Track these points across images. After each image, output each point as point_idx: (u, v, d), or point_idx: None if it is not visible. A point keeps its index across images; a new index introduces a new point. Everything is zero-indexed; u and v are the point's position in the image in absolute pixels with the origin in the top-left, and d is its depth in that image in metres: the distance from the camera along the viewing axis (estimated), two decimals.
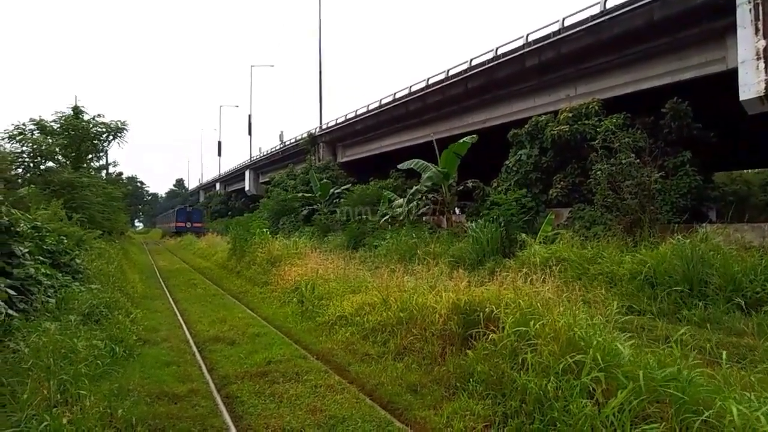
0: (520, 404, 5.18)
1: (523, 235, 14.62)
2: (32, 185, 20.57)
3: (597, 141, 15.97)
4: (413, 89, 28.33)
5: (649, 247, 11.23)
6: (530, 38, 20.70)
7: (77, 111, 24.89)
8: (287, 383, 6.79)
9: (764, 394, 4.31)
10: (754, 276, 9.28)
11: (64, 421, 4.77)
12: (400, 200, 23.17)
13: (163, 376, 7.20)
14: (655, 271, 10.06)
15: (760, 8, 13.19)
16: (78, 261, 11.88)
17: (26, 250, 8.99)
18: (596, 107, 17.77)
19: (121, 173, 50.64)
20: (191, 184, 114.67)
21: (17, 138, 21.66)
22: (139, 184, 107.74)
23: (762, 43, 13.19)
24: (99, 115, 25.54)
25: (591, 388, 4.74)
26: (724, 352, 5.01)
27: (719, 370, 4.70)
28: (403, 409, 5.88)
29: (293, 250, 17.35)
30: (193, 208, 63.46)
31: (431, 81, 26.86)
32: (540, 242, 13.93)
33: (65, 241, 12.25)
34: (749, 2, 13.39)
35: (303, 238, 21.15)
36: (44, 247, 10.68)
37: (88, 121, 25.01)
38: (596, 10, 17.99)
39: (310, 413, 5.78)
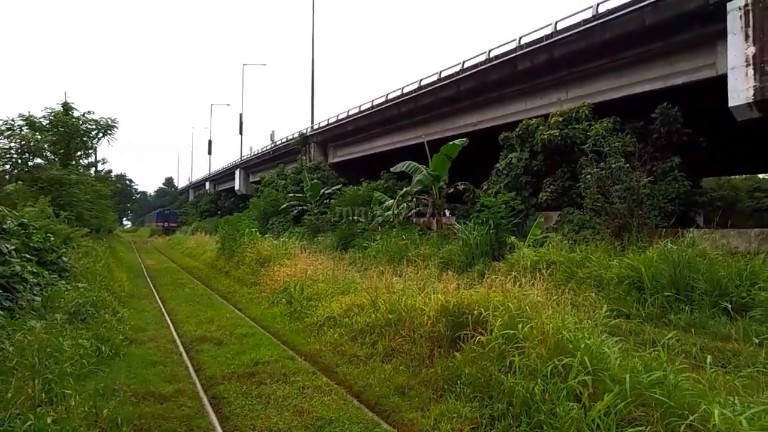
0: (507, 407, 5.19)
1: (513, 238, 14.67)
2: (19, 182, 20.40)
3: (587, 145, 16.06)
4: (405, 90, 28.34)
5: (636, 252, 11.29)
6: (523, 41, 20.78)
7: (67, 107, 24.67)
8: (274, 384, 6.77)
9: (748, 398, 4.36)
10: (740, 281, 9.36)
11: (49, 420, 4.73)
12: (391, 201, 23.20)
13: (149, 376, 7.16)
14: (643, 276, 10.12)
15: (751, 15, 13.31)
16: (65, 259, 11.77)
17: (12, 247, 8.92)
18: (586, 111, 17.86)
19: (110, 171, 50.46)
20: (181, 182, 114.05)
21: (5, 134, 21.44)
22: (128, 182, 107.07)
23: (752, 49, 13.31)
24: (89, 112, 25.35)
25: (578, 392, 4.77)
26: (709, 357, 5.05)
27: (704, 375, 4.74)
28: (391, 411, 5.88)
29: (282, 250, 17.30)
30: (170, 211, 76.66)
31: (423, 83, 26.89)
32: (529, 245, 13.98)
33: (52, 238, 12.15)
34: (740, 9, 13.51)
35: (293, 239, 21.10)
36: (31, 244, 10.58)
37: (78, 118, 24.78)
38: (589, 14, 18.09)
39: (297, 414, 5.77)
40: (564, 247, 12.93)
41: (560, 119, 18.12)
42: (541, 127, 18.62)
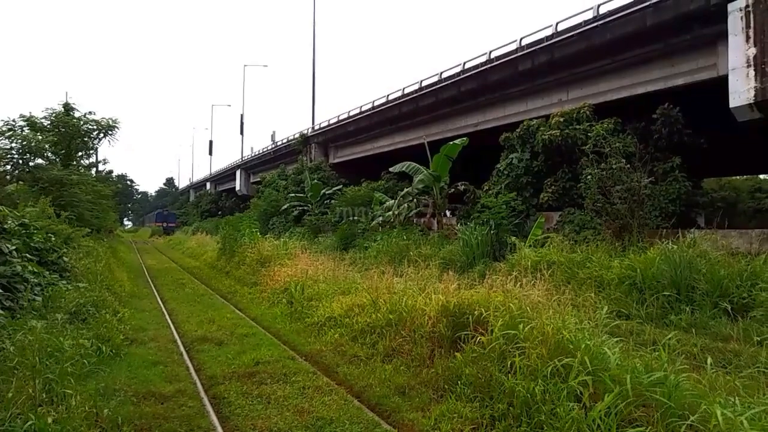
0: (508, 407, 5.18)
1: (513, 239, 14.65)
2: (20, 182, 20.42)
3: (588, 146, 16.04)
4: (406, 91, 28.33)
5: (637, 252, 11.28)
6: (523, 42, 20.78)
7: (68, 108, 24.67)
8: (275, 384, 6.77)
9: (748, 399, 4.35)
10: (741, 282, 9.34)
11: (50, 420, 4.73)
12: (391, 202, 23.18)
13: (149, 375, 7.17)
14: (643, 276, 10.11)
15: (751, 16, 13.31)
16: (65, 259, 11.78)
17: (13, 247, 8.92)
18: (587, 112, 17.84)
19: (111, 171, 50.47)
20: (182, 183, 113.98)
21: (6, 134, 21.44)
22: (129, 182, 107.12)
23: (752, 50, 13.30)
24: (90, 113, 25.38)
25: (578, 392, 4.77)
26: (709, 357, 5.05)
27: (705, 375, 4.74)
28: (392, 411, 5.88)
29: (283, 250, 17.31)
30: (168, 212, 78.61)
31: (424, 83, 26.88)
32: (530, 246, 13.97)
33: (53, 238, 12.15)
34: (740, 10, 13.51)
35: (293, 239, 21.12)
36: (31, 244, 10.58)
37: (79, 119, 24.79)
38: (590, 15, 18.09)
39: (297, 414, 5.77)
40: (565, 247, 12.93)
41: (561, 119, 18.10)
42: (542, 128, 18.61)
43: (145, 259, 30.34)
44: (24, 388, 5.09)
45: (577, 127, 17.60)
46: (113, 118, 26.22)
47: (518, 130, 19.75)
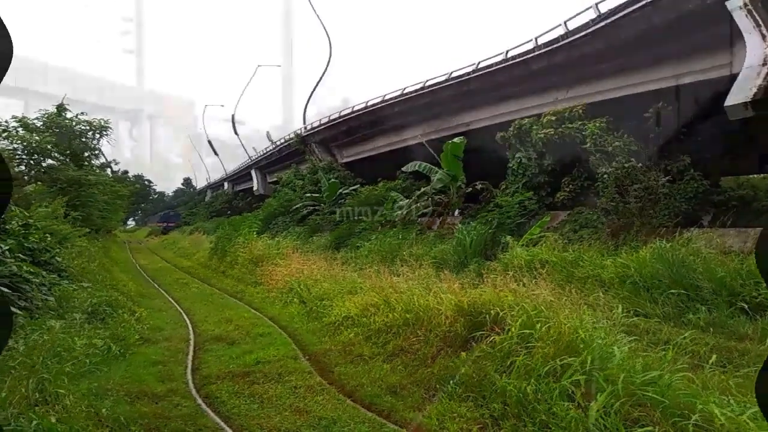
0: (504, 407, 5.12)
1: (508, 238, 14.45)
2: (39, 182, 20.47)
3: (588, 144, 15.83)
4: (406, 91, 28.29)
5: (629, 252, 11.06)
6: (539, 41, 20.34)
7: (61, 109, 24.58)
8: (267, 384, 6.74)
9: (741, 398, 4.32)
10: (743, 280, 9.11)
11: (53, 419, 4.74)
12: (404, 201, 22.94)
13: (144, 375, 7.15)
14: (641, 275, 9.83)
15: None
16: (59, 259, 11.63)
17: (6, 247, 8.89)
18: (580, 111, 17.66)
19: (126, 171, 50.51)
20: (200, 182, 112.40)
21: (2, 135, 21.45)
22: (146, 182, 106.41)
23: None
24: (82, 113, 25.28)
25: (570, 391, 4.72)
26: (714, 356, 5.02)
27: (701, 374, 4.69)
28: (389, 411, 5.82)
29: (275, 250, 17.22)
30: (174, 213, 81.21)
31: (428, 84, 26.80)
32: (523, 245, 13.74)
33: (48, 238, 12.03)
34: (743, 8, 13.24)
35: (288, 239, 21.02)
36: (26, 244, 10.45)
37: (71, 119, 24.68)
38: (593, 14, 17.84)
39: (297, 414, 5.76)
40: (557, 246, 12.73)
41: (560, 118, 17.87)
42: (534, 127, 18.37)
43: (138, 259, 29.67)
44: (17, 387, 5.07)
45: (579, 126, 17.36)
46: (105, 119, 26.18)
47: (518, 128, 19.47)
